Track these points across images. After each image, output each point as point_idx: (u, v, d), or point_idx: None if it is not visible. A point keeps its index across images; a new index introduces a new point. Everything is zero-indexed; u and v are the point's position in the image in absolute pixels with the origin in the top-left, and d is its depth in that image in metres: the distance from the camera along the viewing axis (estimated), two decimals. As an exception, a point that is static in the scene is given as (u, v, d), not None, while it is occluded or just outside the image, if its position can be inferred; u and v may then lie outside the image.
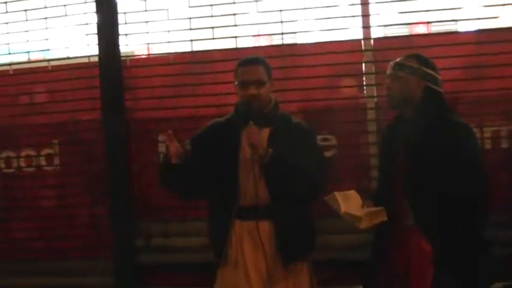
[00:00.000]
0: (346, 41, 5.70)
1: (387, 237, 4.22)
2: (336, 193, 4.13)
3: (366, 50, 5.59)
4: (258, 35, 5.96)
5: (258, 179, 4.28)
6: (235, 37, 5.78)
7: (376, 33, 5.79)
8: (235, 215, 4.34)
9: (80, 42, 6.04)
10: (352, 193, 4.21)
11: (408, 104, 4.20)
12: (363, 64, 5.62)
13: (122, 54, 5.91)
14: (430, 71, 4.20)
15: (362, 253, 4.76)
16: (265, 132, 4.34)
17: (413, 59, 4.25)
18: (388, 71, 4.30)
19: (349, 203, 4.14)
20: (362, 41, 5.64)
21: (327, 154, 5.37)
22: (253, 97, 4.31)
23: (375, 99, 5.52)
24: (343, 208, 4.08)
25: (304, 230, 4.40)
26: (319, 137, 5.31)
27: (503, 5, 5.43)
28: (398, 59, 4.29)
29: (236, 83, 4.41)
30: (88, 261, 5.99)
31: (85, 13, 5.98)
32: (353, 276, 5.12)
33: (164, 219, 5.86)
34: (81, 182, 6.05)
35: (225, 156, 4.33)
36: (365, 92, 5.65)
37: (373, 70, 5.55)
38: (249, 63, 4.40)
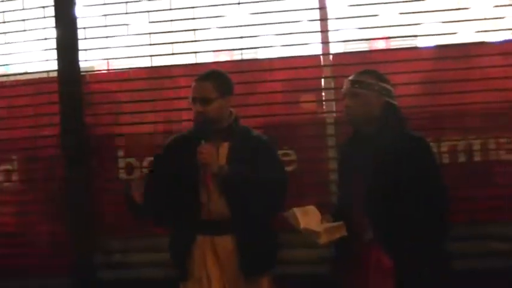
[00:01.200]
0: (305, 56, 5.72)
1: (347, 253, 4.23)
2: (295, 209, 4.12)
3: (325, 66, 5.63)
4: (218, 51, 5.95)
5: (215, 195, 4.28)
6: (195, 52, 5.78)
7: (335, 48, 5.82)
8: (197, 231, 4.34)
9: (39, 58, 5.99)
10: (312, 208, 4.20)
11: (369, 120, 4.21)
12: (322, 79, 5.65)
13: (81, 70, 5.88)
14: (386, 86, 4.21)
15: (321, 268, 4.76)
16: (224, 147, 4.32)
17: (369, 75, 4.24)
18: (346, 89, 4.26)
19: (308, 218, 4.13)
20: (321, 57, 5.67)
21: (287, 169, 5.37)
22: (200, 114, 4.30)
23: (334, 114, 5.55)
24: (303, 223, 4.07)
25: (266, 244, 4.39)
26: (280, 152, 5.32)
27: (461, 21, 5.49)
28: (353, 76, 4.25)
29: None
30: (48, 278, 5.91)
31: (44, 28, 5.94)
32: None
33: (124, 236, 5.82)
34: (41, 198, 5.99)
35: (185, 172, 4.31)
36: (324, 107, 5.68)
37: (332, 85, 5.58)
38: (198, 79, 4.36)
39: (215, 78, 4.35)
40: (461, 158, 5.48)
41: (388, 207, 3.99)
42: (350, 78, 4.27)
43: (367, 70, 4.33)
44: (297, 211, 4.11)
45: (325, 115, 5.65)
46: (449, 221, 4.11)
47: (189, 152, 4.27)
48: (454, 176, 5.24)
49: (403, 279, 3.98)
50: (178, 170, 4.31)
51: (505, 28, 5.60)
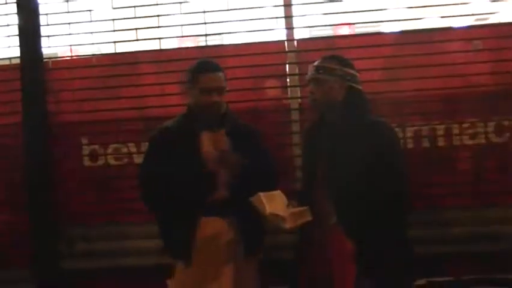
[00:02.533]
0: (269, 42, 5.71)
1: (310, 237, 4.25)
2: (260, 194, 4.12)
3: (290, 51, 5.62)
4: (182, 36, 5.91)
5: (224, 180, 4.32)
6: (159, 38, 5.75)
7: (299, 34, 5.81)
8: (202, 213, 4.36)
9: (1, 44, 5.92)
10: (277, 193, 4.20)
11: (333, 106, 4.22)
12: (287, 65, 5.65)
13: (44, 56, 5.80)
14: (351, 71, 4.23)
15: (285, 253, 4.77)
16: (221, 134, 4.42)
17: (333, 60, 4.26)
18: (310, 75, 4.30)
19: (274, 203, 4.13)
20: (285, 42, 5.66)
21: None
22: (216, 104, 4.37)
23: (299, 100, 5.56)
24: (268, 209, 4.07)
25: (260, 226, 4.43)
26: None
27: (425, 6, 5.50)
28: (318, 62, 4.30)
29: (194, 88, 4.40)
30: (10, 270, 5.84)
31: (6, 14, 5.86)
32: (277, 277, 5.11)
33: (88, 224, 5.77)
34: (2, 188, 5.92)
35: (187, 160, 4.31)
36: (289, 93, 5.68)
37: (297, 71, 5.58)
38: (210, 70, 4.41)
39: (221, 69, 4.47)
40: (425, 144, 5.51)
41: (351, 193, 4.02)
42: (314, 64, 4.30)
43: (332, 56, 4.36)
44: (263, 196, 4.11)
45: (289, 101, 5.64)
46: (409, 206, 4.15)
47: (190, 140, 4.35)
48: (418, 161, 5.29)
49: (365, 264, 4.00)
50: (180, 157, 4.32)
51: (468, 14, 5.64)
